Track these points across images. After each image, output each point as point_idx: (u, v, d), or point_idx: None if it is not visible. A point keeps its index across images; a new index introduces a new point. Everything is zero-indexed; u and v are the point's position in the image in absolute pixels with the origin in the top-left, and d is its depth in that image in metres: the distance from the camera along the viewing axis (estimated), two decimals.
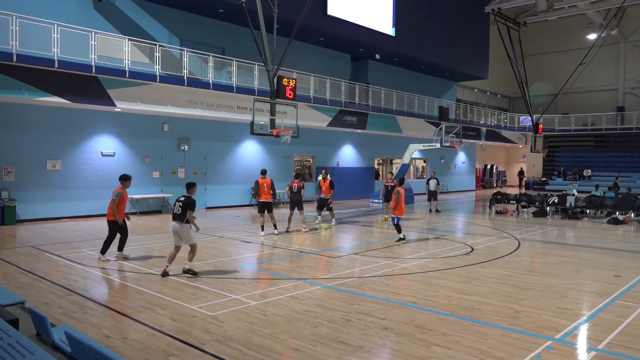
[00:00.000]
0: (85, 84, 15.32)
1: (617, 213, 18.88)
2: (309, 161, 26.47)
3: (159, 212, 19.37)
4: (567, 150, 40.92)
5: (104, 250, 10.22)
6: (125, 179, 10.75)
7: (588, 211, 20.28)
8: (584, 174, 36.95)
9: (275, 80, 16.45)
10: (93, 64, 15.28)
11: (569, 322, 6.60)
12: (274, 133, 16.18)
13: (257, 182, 14.36)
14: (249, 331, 6.11)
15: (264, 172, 14.59)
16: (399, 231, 13.04)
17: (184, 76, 17.54)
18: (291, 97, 16.84)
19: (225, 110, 19.10)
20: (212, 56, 18.48)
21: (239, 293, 7.81)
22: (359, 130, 25.91)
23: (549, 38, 40.89)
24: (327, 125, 23.44)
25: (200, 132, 20.67)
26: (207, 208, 20.93)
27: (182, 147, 20.21)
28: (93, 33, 15.45)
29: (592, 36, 34.78)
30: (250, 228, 15.84)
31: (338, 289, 8.23)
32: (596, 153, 39.12)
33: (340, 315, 6.76)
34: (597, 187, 22.18)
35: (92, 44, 15.32)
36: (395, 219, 12.99)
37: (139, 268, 9.60)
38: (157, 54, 16.93)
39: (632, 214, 18.72)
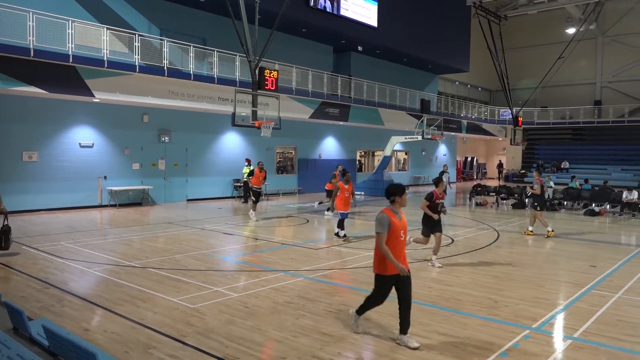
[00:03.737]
0: (63, 74, 15.00)
1: (594, 205, 19.27)
2: (291, 153, 26.42)
3: (139, 204, 19.15)
4: (546, 143, 41.55)
5: None
6: None
7: (565, 203, 20.66)
8: (562, 167, 37.59)
9: (257, 71, 16.33)
10: (70, 53, 14.95)
11: (546, 312, 6.73)
12: (256, 125, 16.09)
13: (254, 171, 15.94)
14: (231, 323, 6.09)
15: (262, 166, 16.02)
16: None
17: (164, 66, 17.29)
18: (273, 88, 16.75)
19: (207, 102, 18.92)
20: (193, 46, 18.26)
21: (221, 285, 7.78)
22: (341, 122, 25.92)
23: (529, 32, 41.32)
24: (310, 117, 23.40)
25: (181, 123, 20.44)
26: (188, 200, 20.76)
27: (163, 139, 19.97)
28: (70, 21, 15.11)
29: (571, 30, 35.28)
30: (232, 220, 15.77)
31: (320, 280, 8.26)
32: (574, 146, 39.81)
33: (322, 307, 6.79)
34: (573, 177, 22.58)
35: (69, 33, 14.98)
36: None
37: (119, 261, 9.50)
38: (137, 44, 16.65)
39: (608, 205, 19.12)
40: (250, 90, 16.35)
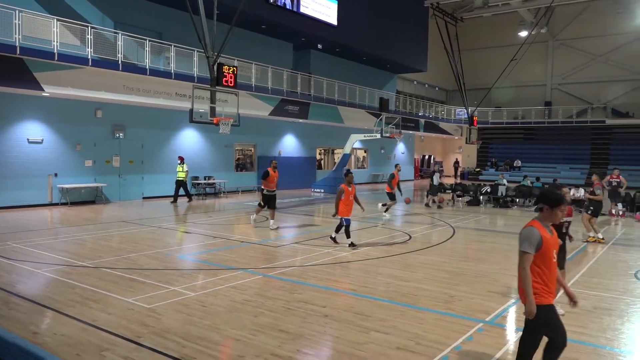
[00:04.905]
0: (9, 66, 14.33)
1: None
2: (251, 150, 26.21)
3: (92, 202, 18.54)
4: (500, 142, 42.89)
5: None
6: None
7: (517, 200, 21.38)
8: (515, 165, 38.88)
9: (215, 67, 16.10)
10: (17, 44, 14.29)
11: (498, 305, 6.95)
12: (214, 121, 15.87)
13: (269, 173, 13.54)
14: (188, 323, 5.99)
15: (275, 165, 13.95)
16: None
17: (118, 60, 16.79)
18: (232, 85, 16.55)
19: (163, 97, 18.51)
20: (149, 40, 17.81)
21: (178, 284, 7.64)
22: (300, 120, 25.93)
23: (484, 34, 42.50)
24: (269, 115, 23.28)
25: (136, 119, 19.90)
26: (144, 198, 20.26)
27: (117, 135, 19.39)
28: (17, 11, 14.44)
29: (524, 33, 36.47)
30: (191, 218, 15.50)
31: (279, 278, 8.23)
32: (526, 145, 41.26)
33: (281, 304, 6.77)
34: (525, 176, 23.41)
35: (16, 23, 14.32)
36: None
37: (70, 261, 9.16)
38: (89, 36, 16.09)
39: None
40: (209, 86, 16.11)
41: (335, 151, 32.15)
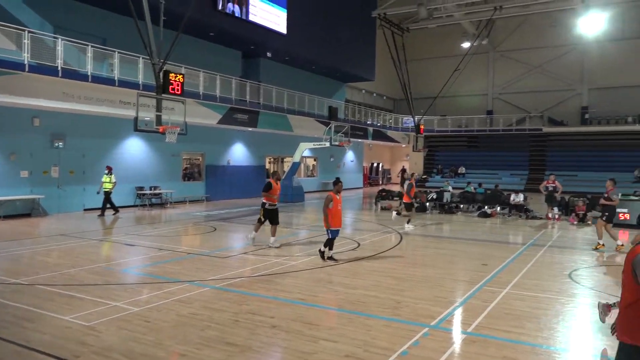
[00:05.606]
0: None
1: (486, 207, 20.77)
2: (199, 159, 25.75)
3: (29, 215, 17.61)
4: (445, 149, 44.22)
5: None
6: None
7: (462, 205, 22.07)
8: (459, 172, 40.17)
9: (161, 74, 15.75)
10: None
11: (443, 309, 7.13)
12: (160, 130, 15.50)
13: (271, 185, 12.30)
14: (131, 339, 5.78)
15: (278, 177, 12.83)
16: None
17: (58, 66, 16.11)
18: (179, 92, 16.25)
19: (107, 105, 17.90)
20: (91, 46, 17.22)
21: (120, 300, 7.36)
22: (250, 129, 25.75)
23: (429, 44, 43.79)
24: (218, 123, 22.98)
25: (77, 127, 19.10)
26: (85, 210, 19.43)
27: (56, 144, 18.53)
28: None
29: (466, 45, 37.86)
30: (135, 230, 15.01)
31: (227, 289, 8.10)
32: (469, 152, 42.74)
33: (228, 317, 6.67)
34: (468, 183, 24.22)
35: None
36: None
37: (3, 278, 8.65)
38: (26, 41, 15.36)
39: (498, 207, 20.72)
40: (154, 94, 15.73)
41: (284, 159, 32.11)
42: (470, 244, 13.35)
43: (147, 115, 15.81)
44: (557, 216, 18.76)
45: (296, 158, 26.17)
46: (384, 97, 46.07)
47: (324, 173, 35.91)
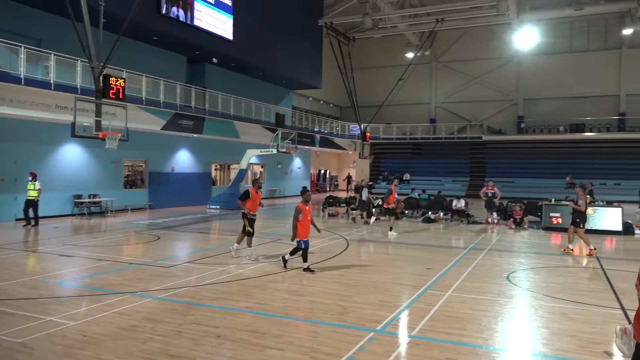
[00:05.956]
0: None
1: (430, 212, 21.34)
2: (142, 166, 24.96)
3: None
4: (391, 156, 45.16)
5: None
6: None
7: (407, 211, 22.56)
8: (404, 178, 41.08)
9: (101, 78, 15.16)
10: None
11: (388, 314, 7.24)
12: (100, 136, 14.91)
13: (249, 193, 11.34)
14: (66, 355, 5.50)
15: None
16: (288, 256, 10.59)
17: None
18: (120, 97, 15.69)
19: (41, 109, 17.03)
20: (25, 47, 16.36)
21: (55, 314, 6.99)
22: (195, 135, 25.26)
23: (375, 53, 44.68)
24: (161, 129, 22.38)
25: (9, 132, 18.04)
26: (17, 219, 18.32)
27: None
28: None
29: (410, 55, 38.91)
30: (72, 240, 14.32)
31: (170, 300, 7.87)
32: (414, 159, 43.86)
33: (171, 328, 6.47)
34: (413, 189, 24.84)
35: None
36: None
37: None
38: None
39: (441, 213, 21.34)
40: (94, 98, 15.13)
41: (231, 166, 31.70)
42: (415, 249, 13.65)
43: (86, 120, 15.16)
44: (496, 221, 19.55)
45: (243, 165, 25.92)
46: (331, 105, 46.52)
47: (272, 180, 35.75)
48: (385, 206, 16.72)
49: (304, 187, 10.75)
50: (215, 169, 31.17)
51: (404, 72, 32.80)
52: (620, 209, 17.53)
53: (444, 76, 44.33)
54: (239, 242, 11.64)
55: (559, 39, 39.87)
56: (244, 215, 11.31)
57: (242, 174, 26.20)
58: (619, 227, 16.96)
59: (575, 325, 6.86)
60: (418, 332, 6.47)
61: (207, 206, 25.67)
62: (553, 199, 19.77)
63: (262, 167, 35.21)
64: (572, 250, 12.94)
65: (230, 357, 5.60)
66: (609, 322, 6.91)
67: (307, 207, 10.10)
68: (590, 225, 17.09)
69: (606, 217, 17.26)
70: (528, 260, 12.01)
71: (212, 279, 9.37)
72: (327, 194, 29.13)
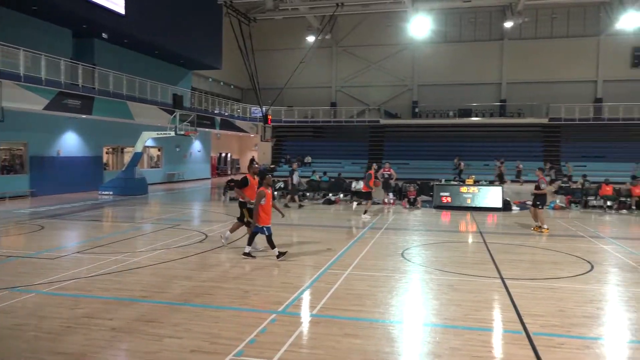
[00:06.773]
0: None
1: (330, 194, 21.85)
2: (21, 150, 22.73)
3: None
4: (293, 139, 45.41)
5: None
6: None
7: (308, 194, 22.90)
8: (305, 161, 41.59)
9: None
10: None
11: (290, 295, 7.34)
12: None
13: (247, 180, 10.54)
14: None
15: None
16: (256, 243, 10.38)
17: None
18: None
19: None
20: None
21: None
22: (83, 116, 23.44)
23: (276, 35, 44.30)
24: (44, 109, 20.47)
25: None
26: None
27: None
28: None
29: (311, 38, 39.15)
30: None
31: (57, 294, 7.32)
32: (315, 142, 44.50)
33: (59, 323, 6.04)
34: (314, 172, 25.25)
35: None
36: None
37: None
38: None
39: (341, 194, 21.95)
40: None
41: (125, 150, 29.94)
42: (317, 230, 13.94)
43: None
44: (392, 201, 20.50)
45: (138, 148, 24.63)
46: (232, 87, 45.58)
47: (170, 164, 34.41)
48: (364, 189, 16.85)
49: (263, 170, 10.19)
50: (107, 153, 29.28)
51: (304, 56, 32.96)
52: (500, 188, 19.22)
53: (343, 61, 45.20)
54: (232, 231, 11.08)
55: (450, 29, 42.33)
56: (243, 204, 10.61)
57: (137, 157, 24.91)
58: (499, 204, 18.60)
59: (461, 295, 7.44)
60: (319, 311, 6.64)
61: (99, 192, 24.09)
62: (443, 180, 21.16)
63: (159, 150, 33.71)
64: (547, 229, 13.29)
65: (126, 350, 5.36)
66: (490, 291, 7.60)
67: (269, 191, 9.77)
68: (474, 203, 18.63)
69: (488, 195, 18.83)
70: (421, 237, 12.78)
71: (105, 269, 8.85)
72: (229, 178, 28.68)
